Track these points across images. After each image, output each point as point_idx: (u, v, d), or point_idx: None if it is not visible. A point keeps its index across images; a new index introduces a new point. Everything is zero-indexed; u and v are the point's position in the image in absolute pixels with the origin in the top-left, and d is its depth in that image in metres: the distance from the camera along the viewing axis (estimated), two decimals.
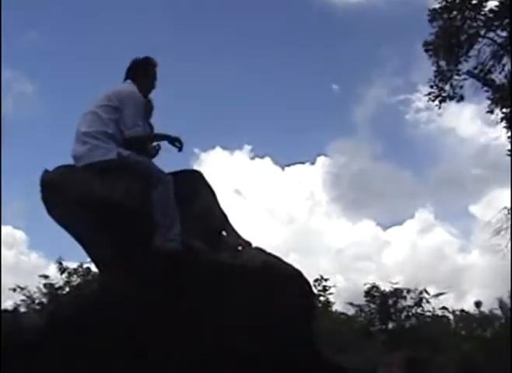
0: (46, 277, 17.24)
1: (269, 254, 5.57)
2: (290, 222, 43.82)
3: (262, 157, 45.86)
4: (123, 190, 4.89)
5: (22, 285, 16.97)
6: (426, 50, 13.87)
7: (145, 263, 4.89)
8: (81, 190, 4.85)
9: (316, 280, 16.48)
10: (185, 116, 44.95)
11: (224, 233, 5.45)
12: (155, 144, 5.61)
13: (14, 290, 17.14)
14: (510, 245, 14.76)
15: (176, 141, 5.31)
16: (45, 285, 16.77)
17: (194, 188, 5.35)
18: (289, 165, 44.87)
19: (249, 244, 5.49)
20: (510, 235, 15.02)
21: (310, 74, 47.59)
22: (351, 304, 17.56)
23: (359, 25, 45.86)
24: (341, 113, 49.19)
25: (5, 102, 42.88)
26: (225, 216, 5.46)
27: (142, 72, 5.44)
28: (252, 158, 45.75)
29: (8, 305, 16.78)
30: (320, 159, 44.67)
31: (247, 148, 46.51)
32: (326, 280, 16.60)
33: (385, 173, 45.96)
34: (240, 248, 5.36)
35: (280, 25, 46.45)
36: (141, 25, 44.63)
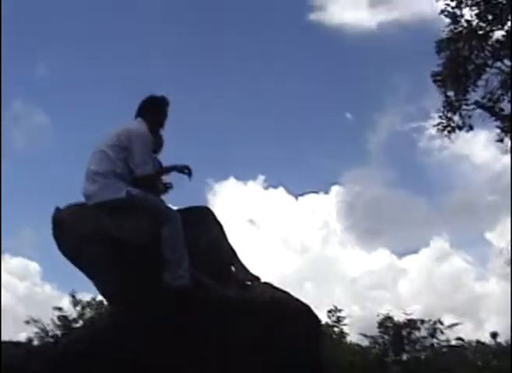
0: (59, 309, 17.26)
1: (277, 289, 5.62)
2: (304, 251, 43.77)
3: (276, 187, 45.86)
4: (132, 228, 4.98)
5: (35, 317, 16.96)
6: (435, 81, 13.97)
7: (155, 299, 4.96)
8: (91, 228, 4.95)
9: (330, 311, 16.46)
10: (198, 147, 45.27)
11: (232, 268, 5.50)
12: (167, 182, 5.72)
13: (27, 322, 17.13)
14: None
15: (184, 169, 5.44)
16: (59, 317, 16.77)
17: (202, 224, 5.42)
18: (302, 195, 44.74)
19: (257, 279, 5.54)
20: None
21: (323, 102, 47.86)
22: (364, 335, 17.45)
23: (370, 52, 46.16)
24: (354, 142, 49.37)
25: (18, 134, 43.54)
26: (233, 251, 5.52)
27: (154, 111, 5.55)
28: (266, 188, 45.83)
29: (21, 337, 16.79)
30: (334, 188, 44.57)
31: (261, 178, 46.54)
32: (340, 310, 16.56)
33: (399, 201, 45.83)
34: (248, 283, 5.40)
35: (291, 54, 46.77)
36: (151, 57, 45.15)
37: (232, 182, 45.51)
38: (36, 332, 17.20)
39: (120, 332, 5.24)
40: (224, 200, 44.86)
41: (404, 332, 16.48)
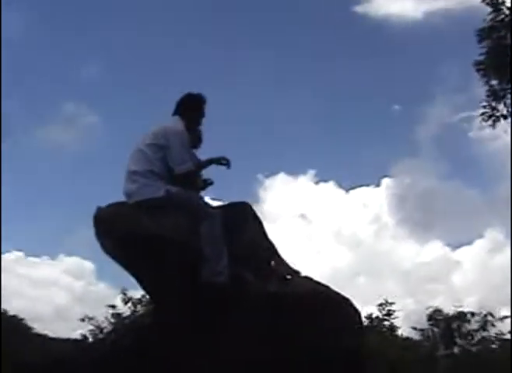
0: (113, 306, 17.68)
1: (318, 283, 5.63)
2: (357, 246, 43.56)
3: (326, 181, 45.76)
4: (171, 226, 5.06)
5: (90, 315, 17.50)
6: (477, 70, 13.74)
7: (195, 295, 5.02)
8: (130, 227, 5.05)
9: (380, 305, 16.34)
10: (247, 142, 45.52)
11: (273, 263, 5.53)
12: (206, 178, 5.78)
13: (83, 320, 17.70)
14: None
15: (222, 160, 5.52)
16: (112, 315, 17.18)
17: (242, 220, 5.46)
18: (353, 188, 44.55)
19: (297, 273, 5.56)
20: None
21: (371, 94, 47.28)
22: (414, 328, 17.28)
23: (417, 43, 45.44)
24: (403, 133, 48.64)
25: (70, 135, 44.45)
26: (273, 246, 5.55)
27: (192, 108, 5.61)
28: (316, 183, 45.81)
29: (77, 334, 17.35)
30: (385, 181, 44.18)
31: (311, 172, 46.48)
32: (391, 304, 16.42)
33: (451, 192, 44.99)
34: (288, 277, 5.42)
35: (337, 46, 46.51)
36: (200, 54, 45.46)
37: (282, 177, 45.53)
38: (91, 330, 17.63)
39: (163, 329, 5.35)
40: (275, 195, 44.97)
41: (454, 325, 16.29)
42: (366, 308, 15.84)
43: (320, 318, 5.19)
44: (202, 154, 5.78)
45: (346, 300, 5.43)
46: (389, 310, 16.38)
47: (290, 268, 5.56)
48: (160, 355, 5.21)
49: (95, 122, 45.20)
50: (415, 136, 48.95)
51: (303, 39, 45.79)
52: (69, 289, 35.67)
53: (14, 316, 21.65)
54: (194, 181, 5.59)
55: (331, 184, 45.18)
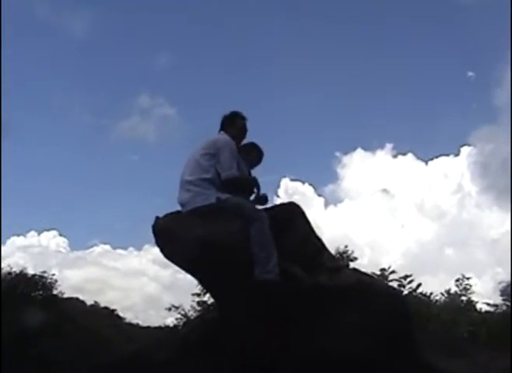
0: (198, 295, 18.30)
1: (365, 274, 5.99)
2: (441, 217, 42.90)
3: (405, 154, 45.18)
4: (223, 230, 5.50)
5: (177, 304, 18.19)
6: None
7: (252, 292, 5.47)
8: (186, 234, 5.54)
9: (457, 280, 16.29)
10: (323, 120, 45.54)
11: (322, 258, 5.89)
12: (264, 193, 6.16)
13: (169, 309, 18.39)
14: None
15: (261, 194, 6.05)
16: (198, 303, 17.78)
17: (290, 218, 5.84)
18: (432, 159, 43.74)
19: (345, 266, 5.92)
20: None
21: (443, 64, 46.22)
22: (487, 304, 17.09)
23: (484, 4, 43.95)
24: (480, 100, 47.20)
25: (147, 127, 45.60)
26: (321, 241, 5.92)
27: (229, 125, 6.15)
28: (395, 156, 45.28)
29: (168, 322, 18.09)
30: (465, 149, 43.03)
31: (389, 146, 46.04)
32: (468, 278, 16.31)
33: None
34: (335, 270, 5.78)
35: (407, 14, 45.50)
36: (267, 33, 45.54)
37: (360, 153, 45.32)
38: (179, 318, 18.31)
39: (225, 323, 5.86)
40: (354, 171, 44.88)
41: None
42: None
43: (367, 308, 5.54)
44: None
45: (393, 290, 5.76)
46: (466, 285, 16.27)
47: (338, 262, 5.93)
48: (223, 347, 5.73)
49: (170, 113, 46.20)
50: (493, 102, 47.43)
51: (372, 9, 45.19)
52: (157, 278, 36.89)
53: (106, 308, 22.69)
54: (244, 188, 6.00)
55: (409, 156, 44.57)
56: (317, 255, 5.85)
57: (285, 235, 5.72)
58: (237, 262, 5.46)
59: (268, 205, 6.08)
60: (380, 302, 5.60)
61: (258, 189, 6.08)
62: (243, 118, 6.22)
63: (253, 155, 6.29)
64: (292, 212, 5.93)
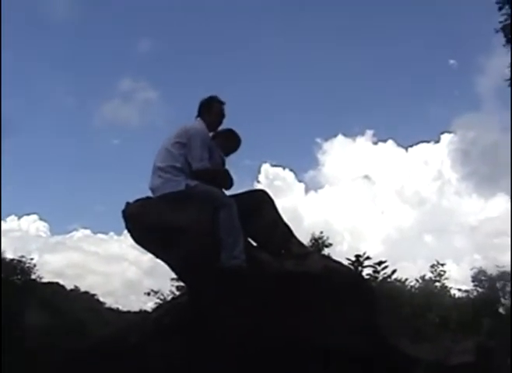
0: (177, 279, 18.37)
1: (333, 260, 6.10)
2: (421, 204, 43.18)
3: (385, 140, 45.38)
4: (191, 216, 5.58)
5: (156, 289, 18.16)
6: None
7: (219, 277, 5.57)
8: (154, 219, 5.63)
9: (432, 266, 16.49)
10: (304, 106, 45.46)
11: (288, 243, 5.98)
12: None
13: (148, 294, 18.39)
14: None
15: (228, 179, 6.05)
16: (177, 287, 17.83)
17: (258, 205, 5.93)
18: (412, 146, 43.91)
19: (313, 252, 6.03)
20: None
21: (425, 51, 46.44)
22: (459, 289, 17.38)
23: None
24: (461, 88, 47.72)
25: (129, 110, 45.35)
26: (288, 228, 6.01)
27: (209, 111, 6.15)
28: (375, 143, 45.48)
29: (148, 307, 18.10)
30: (445, 137, 43.41)
31: (369, 132, 46.38)
32: (443, 264, 16.51)
33: None
34: (303, 256, 5.87)
35: (390, 2, 45.62)
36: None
37: (340, 139, 45.51)
38: (157, 303, 18.35)
39: (195, 306, 5.96)
40: (335, 158, 45.00)
41: (498, 285, 16.35)
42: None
43: (333, 293, 5.66)
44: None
45: (358, 276, 5.89)
46: (440, 271, 16.51)
47: (306, 248, 6.03)
48: (195, 329, 5.84)
49: (152, 96, 45.90)
50: (475, 89, 47.69)
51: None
52: (137, 263, 36.93)
53: (86, 292, 22.74)
54: (223, 179, 6.04)
55: (390, 143, 44.75)
56: (285, 241, 5.94)
57: (253, 222, 5.81)
58: (205, 247, 5.54)
59: (239, 191, 6.15)
60: (346, 288, 5.72)
61: (231, 181, 6.12)
62: (221, 102, 6.20)
63: (230, 141, 6.33)
64: (261, 199, 6.01)
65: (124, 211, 5.80)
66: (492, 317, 14.81)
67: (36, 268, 18.03)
